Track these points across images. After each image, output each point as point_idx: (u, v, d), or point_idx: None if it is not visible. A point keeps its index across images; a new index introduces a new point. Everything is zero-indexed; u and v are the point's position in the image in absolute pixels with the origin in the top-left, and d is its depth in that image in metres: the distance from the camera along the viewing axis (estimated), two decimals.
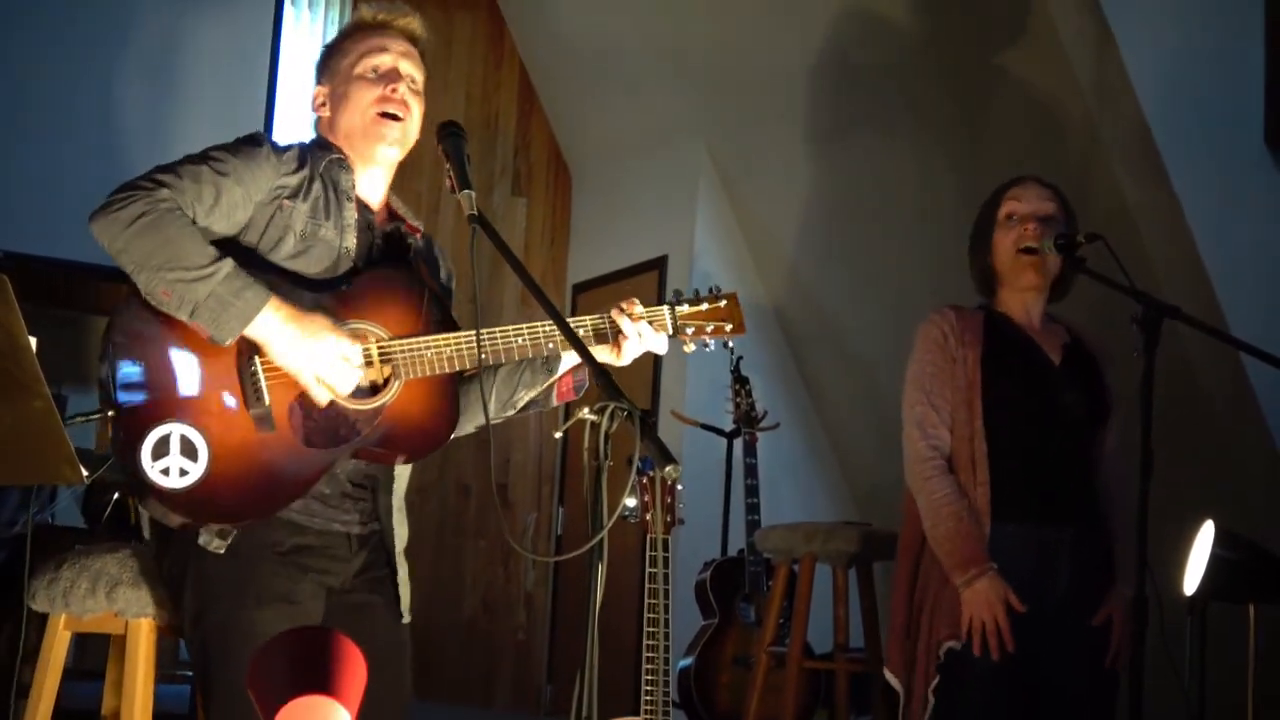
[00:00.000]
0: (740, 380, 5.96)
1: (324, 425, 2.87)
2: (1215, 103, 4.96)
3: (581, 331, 3.00)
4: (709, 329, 3.08)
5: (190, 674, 4.39)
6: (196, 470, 2.78)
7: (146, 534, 3.01)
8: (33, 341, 2.52)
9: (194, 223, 2.85)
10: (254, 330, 2.80)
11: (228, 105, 6.28)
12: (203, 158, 2.92)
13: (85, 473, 2.68)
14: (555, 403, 3.23)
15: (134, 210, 2.79)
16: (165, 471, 2.77)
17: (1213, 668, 3.62)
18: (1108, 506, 3.68)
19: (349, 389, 2.86)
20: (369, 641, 2.24)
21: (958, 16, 5.38)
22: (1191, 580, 3.62)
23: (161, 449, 2.77)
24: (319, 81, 3.17)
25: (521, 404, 3.21)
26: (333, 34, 6.86)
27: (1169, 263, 4.95)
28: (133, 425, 2.78)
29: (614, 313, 3.02)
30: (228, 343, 2.80)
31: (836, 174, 6.30)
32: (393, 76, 3.08)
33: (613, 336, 3.01)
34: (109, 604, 3.10)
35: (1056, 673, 3.60)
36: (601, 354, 3.04)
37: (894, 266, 6.26)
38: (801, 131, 6.28)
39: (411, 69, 3.13)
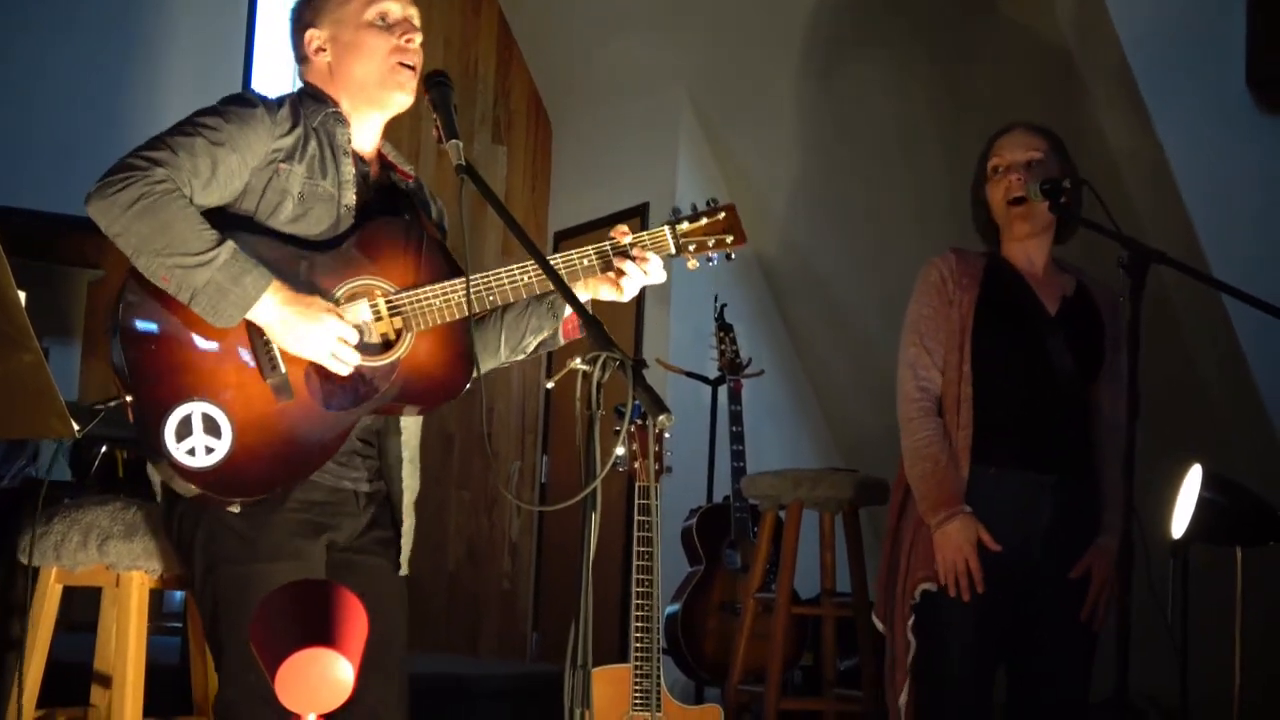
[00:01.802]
0: (724, 328, 5.96)
1: (342, 386, 2.86)
2: (1197, 44, 4.94)
3: (585, 262, 2.98)
4: (711, 243, 3.06)
5: (180, 625, 4.40)
6: (222, 446, 2.76)
7: (158, 494, 2.98)
8: (21, 296, 2.51)
9: (192, 200, 2.81)
10: (253, 315, 2.79)
11: (206, 47, 6.24)
12: (195, 127, 2.87)
13: (76, 426, 2.67)
14: (563, 341, 3.21)
15: (132, 193, 2.76)
16: (191, 451, 2.75)
17: (1197, 610, 3.65)
18: (1099, 458, 3.70)
19: (347, 370, 2.85)
20: (369, 596, 2.24)
21: None
22: (1179, 523, 3.65)
23: (184, 429, 2.75)
24: (312, 24, 3.08)
25: (531, 347, 3.20)
26: None
27: (1153, 207, 4.95)
28: (152, 408, 2.76)
29: (615, 234, 3.01)
30: (227, 328, 2.78)
31: (818, 120, 6.28)
32: (406, 26, 3.05)
33: (616, 264, 2.99)
34: (100, 557, 3.11)
35: (1035, 616, 3.63)
36: (607, 291, 3.04)
37: (876, 211, 6.26)
38: (783, 77, 6.26)
39: (415, 16, 3.09)
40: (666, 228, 3.05)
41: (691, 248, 3.05)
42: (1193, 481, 3.66)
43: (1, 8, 5.82)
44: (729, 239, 3.07)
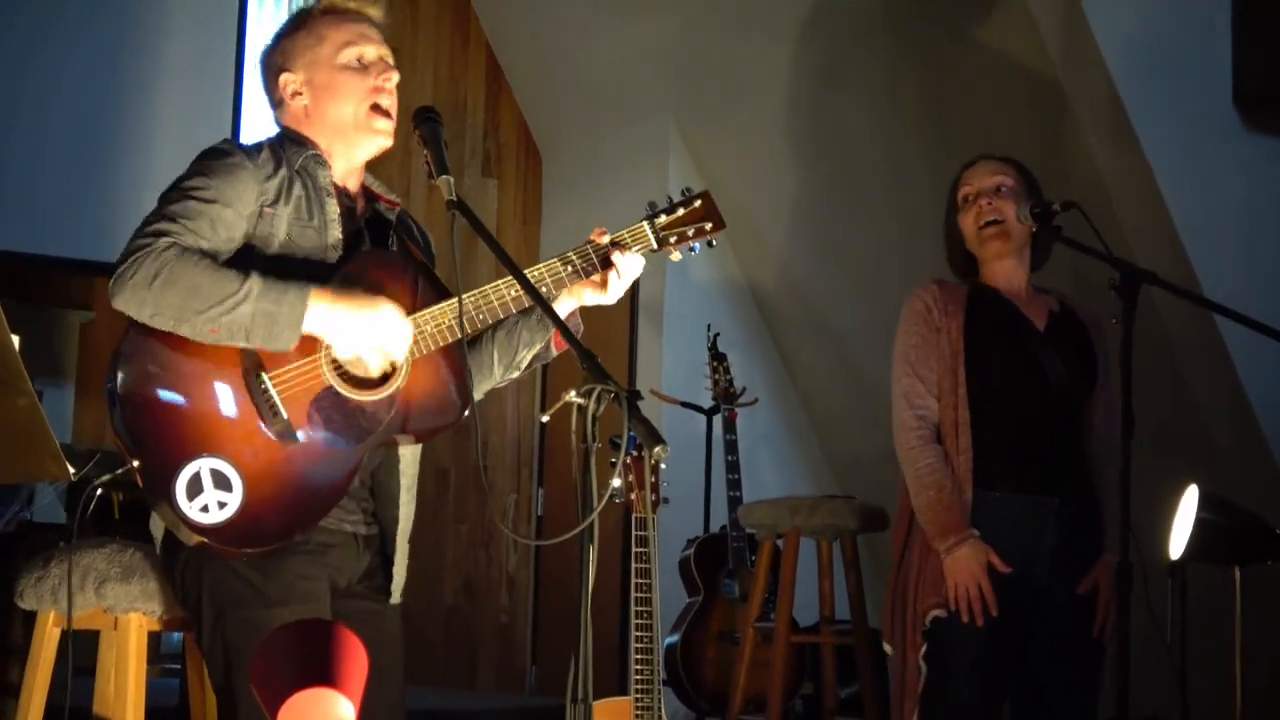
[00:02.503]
0: (718, 357, 5.96)
1: (345, 423, 2.84)
2: (1183, 64, 4.97)
3: (569, 269, 2.97)
4: (691, 232, 3.05)
5: (179, 667, 4.38)
6: (235, 500, 2.75)
7: (158, 546, 2.97)
8: (15, 340, 2.51)
9: (203, 253, 2.81)
10: (308, 326, 2.78)
11: (196, 91, 6.24)
12: (183, 193, 2.86)
13: (71, 469, 2.67)
14: (555, 352, 3.20)
15: (147, 271, 2.74)
16: (205, 509, 2.73)
17: (1196, 629, 3.65)
18: (1096, 475, 3.70)
19: (403, 353, 2.85)
20: (369, 637, 2.23)
21: None
22: (1176, 544, 3.65)
23: (195, 487, 2.73)
24: (285, 68, 3.07)
25: (525, 361, 3.19)
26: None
27: (1142, 228, 4.97)
28: (160, 471, 2.74)
29: (594, 236, 3.00)
30: (291, 348, 2.78)
31: (807, 149, 6.30)
32: (382, 66, 3.05)
33: (601, 266, 2.98)
34: (98, 600, 3.09)
35: (1044, 638, 3.63)
36: (591, 295, 3.03)
37: (866, 239, 6.27)
38: (770, 108, 6.28)
39: (389, 55, 3.09)
40: (645, 222, 3.03)
41: (673, 240, 3.04)
42: (1190, 502, 3.67)
43: None
44: (708, 226, 3.06)
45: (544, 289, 2.94)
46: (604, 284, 3.01)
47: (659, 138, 6.87)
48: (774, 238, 6.71)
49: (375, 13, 3.13)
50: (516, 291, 2.91)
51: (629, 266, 3.01)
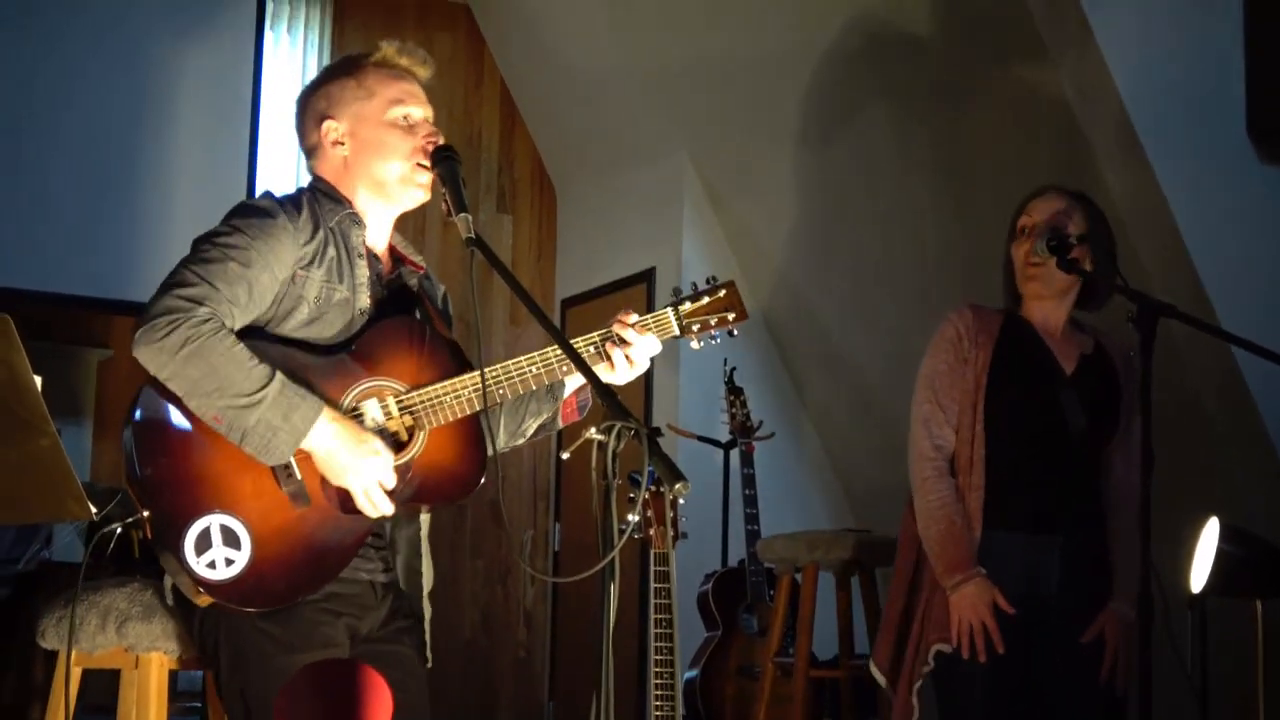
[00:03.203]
0: (734, 391, 5.97)
1: None
2: (1197, 94, 4.96)
3: (591, 349, 3.00)
4: (713, 321, 3.08)
5: (199, 705, 4.39)
6: (242, 558, 2.76)
7: (169, 598, 2.98)
8: (37, 380, 2.52)
9: (233, 331, 2.81)
10: (305, 445, 2.80)
11: (213, 130, 6.28)
12: (223, 251, 2.85)
13: (93, 509, 2.68)
14: (561, 425, 3.23)
15: (178, 337, 2.74)
16: (211, 565, 2.75)
17: (1217, 663, 3.63)
18: (1111, 518, 3.69)
19: (375, 514, 2.86)
20: (395, 681, 2.25)
21: (939, 19, 5.39)
22: (1197, 577, 3.64)
23: (204, 543, 2.75)
24: (329, 115, 3.06)
25: (530, 431, 3.21)
26: (314, 58, 6.94)
27: (1157, 259, 4.96)
28: (171, 523, 2.76)
29: (615, 325, 3.02)
30: (279, 463, 2.79)
31: (821, 181, 6.31)
32: (428, 128, 3.05)
33: (618, 347, 3.00)
34: (119, 639, 3.10)
35: (1048, 679, 3.62)
36: (600, 372, 3.02)
37: (882, 271, 6.27)
38: (785, 140, 6.29)
39: (432, 116, 3.10)
40: (670, 309, 3.07)
41: (695, 327, 3.08)
42: (1210, 535, 3.65)
43: (9, 90, 5.85)
44: (730, 316, 3.10)
45: (566, 366, 2.95)
46: (618, 364, 3.03)
47: (674, 175, 6.89)
48: (789, 273, 6.71)
49: (425, 73, 3.15)
50: (537, 369, 2.93)
51: (644, 349, 3.03)
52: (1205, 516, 3.71)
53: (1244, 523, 3.80)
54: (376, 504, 2.85)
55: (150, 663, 3.11)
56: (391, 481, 2.85)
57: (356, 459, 2.82)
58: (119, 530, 3.91)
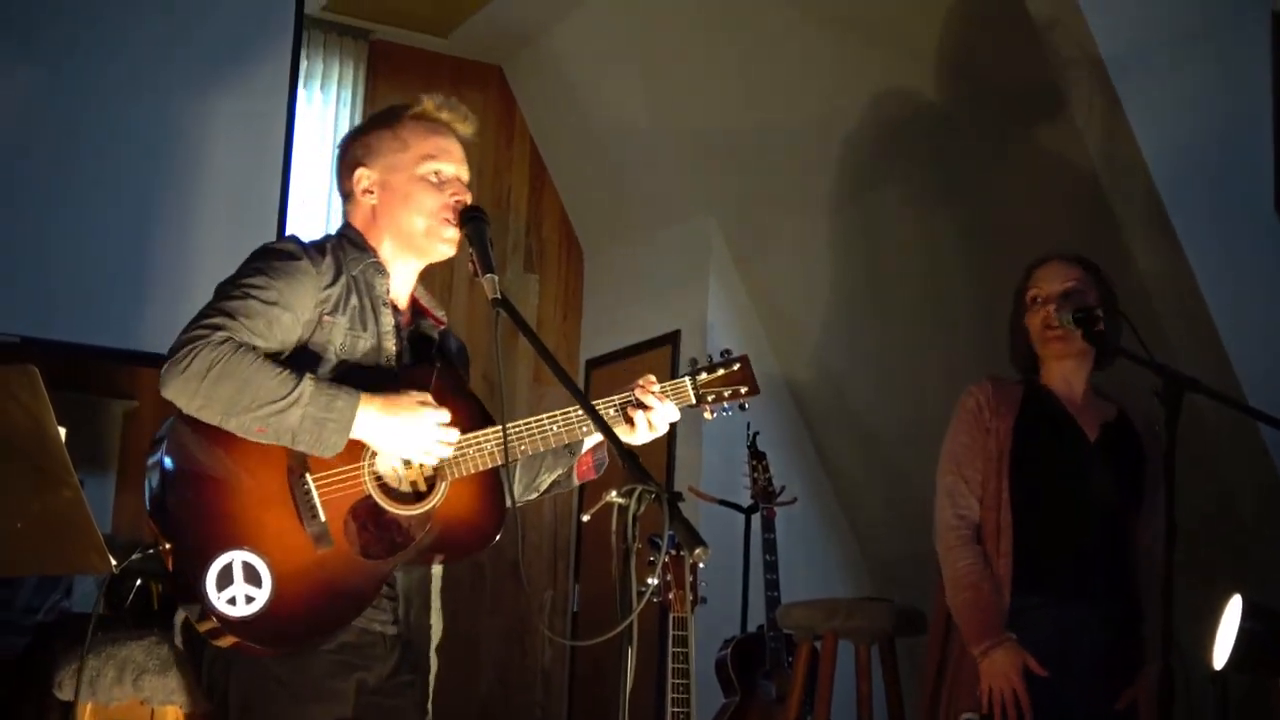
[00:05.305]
0: (757, 455, 5.95)
1: (379, 535, 2.86)
2: (1224, 167, 4.98)
3: (612, 412, 3.02)
4: (726, 394, 3.17)
5: None
6: (262, 596, 2.75)
7: (178, 639, 2.98)
8: (61, 432, 2.53)
9: (257, 351, 2.83)
10: (356, 433, 2.81)
11: (243, 186, 6.29)
12: (244, 290, 2.87)
13: (114, 561, 2.68)
14: (576, 482, 3.25)
15: (201, 362, 2.75)
16: (232, 601, 2.74)
17: None
18: (1144, 590, 3.67)
19: (449, 451, 2.89)
20: None
21: (969, 91, 5.41)
22: (1220, 654, 3.61)
23: (225, 578, 2.74)
24: (363, 163, 3.09)
25: (545, 486, 3.22)
26: (346, 116, 6.98)
27: (1184, 333, 4.95)
28: (193, 556, 2.75)
29: (637, 391, 3.05)
30: (335, 454, 2.81)
31: (848, 249, 6.32)
32: (457, 186, 3.07)
33: (638, 411, 3.05)
34: (135, 692, 3.10)
35: None
36: (620, 434, 3.05)
37: (907, 339, 6.26)
38: (813, 206, 6.31)
39: (466, 174, 3.12)
40: (687, 378, 3.14)
41: (709, 399, 3.15)
42: (1234, 611, 3.63)
43: (44, 140, 5.89)
44: (743, 390, 3.18)
45: (586, 426, 2.99)
46: (637, 427, 3.07)
47: (701, 239, 6.91)
48: (813, 338, 6.71)
49: (466, 130, 3.17)
50: (558, 427, 2.96)
51: (664, 414, 3.08)
52: (1230, 591, 3.68)
53: (1272, 600, 3.77)
54: (450, 441, 2.88)
55: (165, 716, 3.12)
56: (446, 418, 2.87)
57: (411, 420, 2.84)
58: (139, 583, 3.92)
